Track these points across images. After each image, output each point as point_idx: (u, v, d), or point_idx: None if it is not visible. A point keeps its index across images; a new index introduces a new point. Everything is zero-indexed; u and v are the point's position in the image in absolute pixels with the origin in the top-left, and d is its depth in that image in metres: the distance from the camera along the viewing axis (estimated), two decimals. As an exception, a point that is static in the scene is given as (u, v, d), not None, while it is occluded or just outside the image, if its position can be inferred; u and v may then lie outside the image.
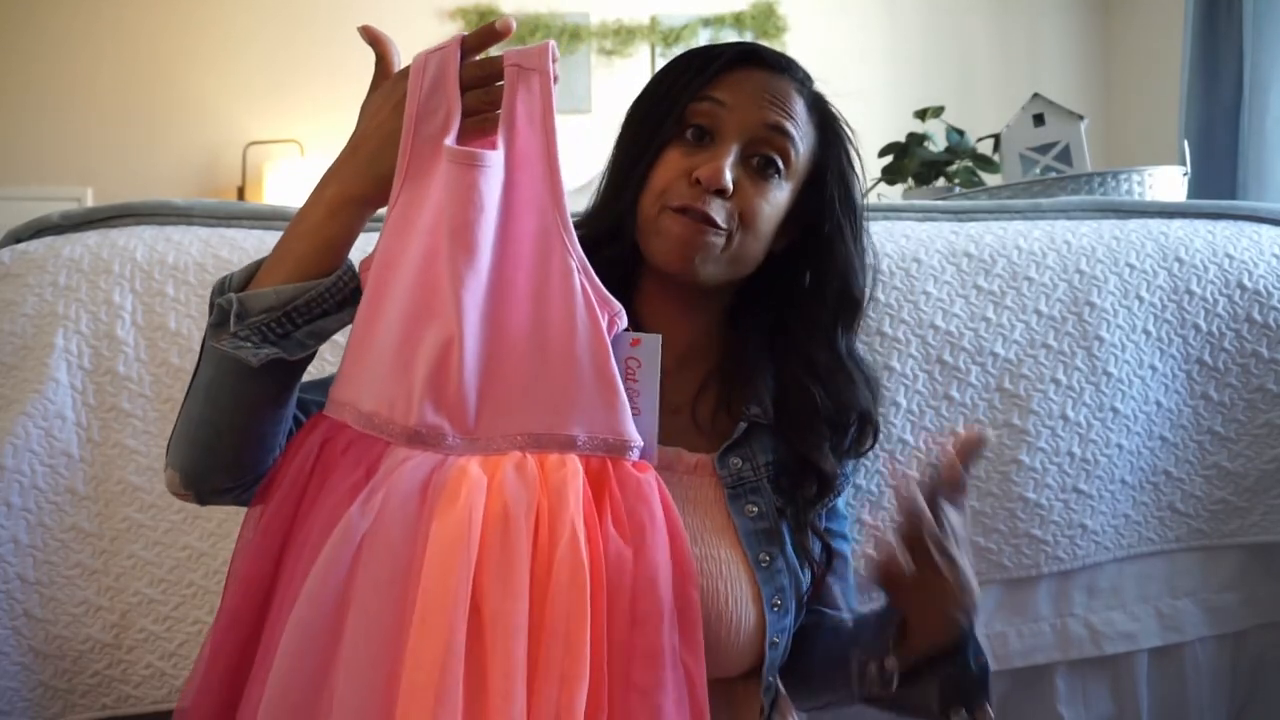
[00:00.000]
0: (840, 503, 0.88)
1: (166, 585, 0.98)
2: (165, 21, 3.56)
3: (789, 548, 0.80)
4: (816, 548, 0.82)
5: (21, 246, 1.06)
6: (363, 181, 0.69)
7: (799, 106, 0.81)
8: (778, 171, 0.79)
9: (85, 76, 3.51)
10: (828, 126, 0.84)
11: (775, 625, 0.77)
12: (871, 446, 0.86)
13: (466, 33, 0.69)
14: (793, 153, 0.79)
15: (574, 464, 0.66)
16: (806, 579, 0.81)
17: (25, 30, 3.48)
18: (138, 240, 1.06)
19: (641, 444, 0.69)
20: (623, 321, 0.70)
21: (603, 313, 0.69)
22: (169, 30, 3.56)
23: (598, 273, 0.70)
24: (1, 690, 0.94)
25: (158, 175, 3.49)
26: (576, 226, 0.72)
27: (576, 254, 0.69)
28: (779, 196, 0.80)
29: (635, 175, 0.79)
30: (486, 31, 0.69)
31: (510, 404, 0.67)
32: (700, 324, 0.84)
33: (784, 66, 0.82)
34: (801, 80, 0.83)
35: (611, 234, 0.79)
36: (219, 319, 0.68)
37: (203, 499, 0.73)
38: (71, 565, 0.97)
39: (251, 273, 0.70)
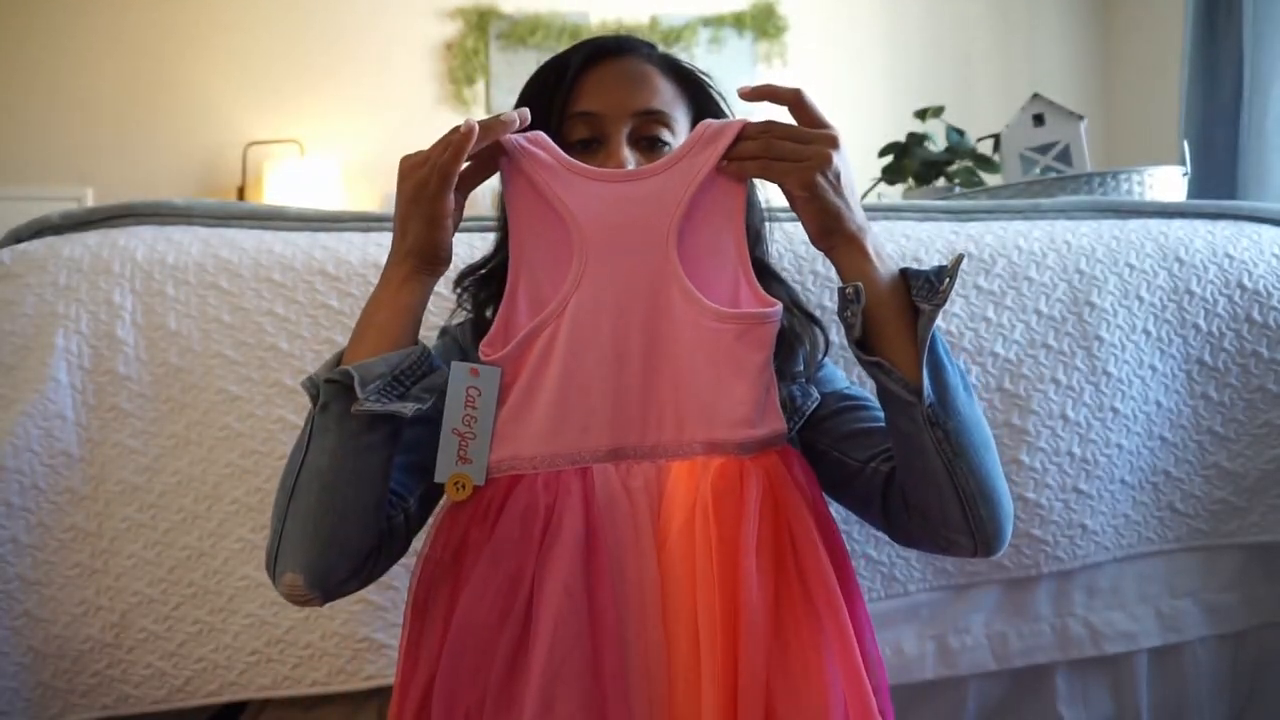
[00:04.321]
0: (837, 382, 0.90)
1: (166, 585, 0.98)
2: (165, 21, 3.56)
3: None
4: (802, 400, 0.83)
5: (22, 246, 1.06)
6: (413, 262, 0.75)
7: (656, 77, 0.85)
8: (665, 143, 0.84)
9: (85, 76, 3.50)
10: (688, 80, 0.88)
11: None
12: (826, 352, 0.90)
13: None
14: (671, 120, 0.84)
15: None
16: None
17: (25, 30, 3.48)
18: (138, 240, 1.06)
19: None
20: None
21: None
22: (169, 30, 3.56)
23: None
24: (1, 690, 0.94)
25: (158, 175, 3.49)
26: (495, 253, 0.84)
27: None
28: None
29: None
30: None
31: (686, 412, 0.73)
32: None
33: (629, 48, 0.87)
34: (647, 54, 0.87)
35: None
36: (335, 394, 0.72)
37: (329, 595, 0.73)
38: (71, 565, 0.97)
39: (336, 361, 0.74)
